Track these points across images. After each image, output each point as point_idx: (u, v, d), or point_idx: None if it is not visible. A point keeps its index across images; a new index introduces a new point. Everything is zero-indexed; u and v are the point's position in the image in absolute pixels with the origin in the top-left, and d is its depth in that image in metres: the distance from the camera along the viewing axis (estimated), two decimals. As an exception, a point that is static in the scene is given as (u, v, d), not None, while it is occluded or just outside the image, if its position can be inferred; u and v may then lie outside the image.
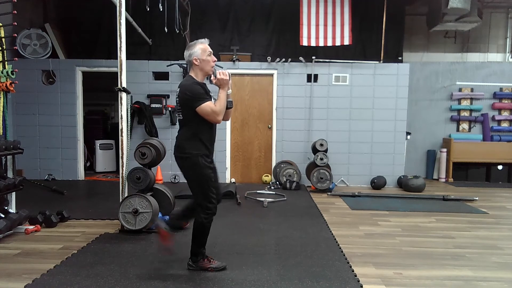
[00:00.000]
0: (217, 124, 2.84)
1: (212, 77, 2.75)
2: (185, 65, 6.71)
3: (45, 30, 6.89)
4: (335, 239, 3.68)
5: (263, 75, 6.97)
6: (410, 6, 7.53)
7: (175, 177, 6.89)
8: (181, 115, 2.75)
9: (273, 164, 6.99)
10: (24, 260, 3.06)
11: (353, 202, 5.50)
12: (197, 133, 2.70)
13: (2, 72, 3.75)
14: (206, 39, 2.81)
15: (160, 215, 3.97)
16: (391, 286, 2.67)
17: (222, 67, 6.75)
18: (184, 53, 2.77)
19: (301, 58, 6.80)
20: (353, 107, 6.90)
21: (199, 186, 2.73)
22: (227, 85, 2.72)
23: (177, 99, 2.74)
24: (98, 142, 7.83)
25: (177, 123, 2.90)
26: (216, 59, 2.83)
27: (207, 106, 2.62)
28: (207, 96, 2.69)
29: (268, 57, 6.90)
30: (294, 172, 6.53)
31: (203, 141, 2.73)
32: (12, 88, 3.85)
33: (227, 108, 2.78)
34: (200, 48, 2.71)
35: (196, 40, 2.78)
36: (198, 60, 2.70)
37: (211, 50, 2.77)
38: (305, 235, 3.79)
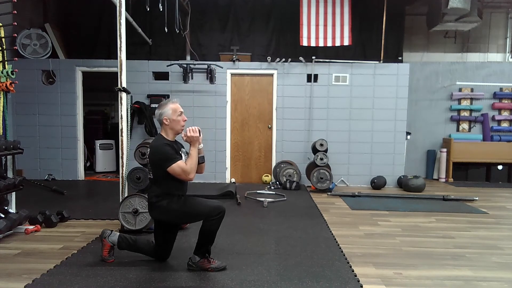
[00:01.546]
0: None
1: (182, 134, 2.78)
2: (184, 65, 6.72)
3: (45, 30, 6.89)
4: (335, 239, 3.68)
5: (263, 75, 6.97)
6: (410, 6, 7.53)
7: (175, 177, 6.87)
8: (151, 174, 2.80)
9: (273, 164, 6.98)
10: (24, 260, 3.06)
11: (353, 202, 5.50)
12: (168, 189, 2.75)
13: (2, 72, 3.75)
14: (176, 99, 2.88)
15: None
16: (391, 286, 2.67)
17: (222, 67, 6.77)
18: (155, 112, 2.83)
19: (301, 58, 6.80)
20: (353, 107, 6.90)
21: (194, 213, 2.79)
22: (198, 141, 2.76)
23: (147, 159, 2.80)
24: (98, 142, 7.83)
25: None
26: (186, 119, 2.87)
27: (177, 166, 2.66)
28: (177, 155, 2.72)
29: (268, 57, 6.90)
30: (294, 172, 6.53)
31: (174, 194, 2.77)
32: (12, 88, 3.85)
33: (199, 163, 2.81)
34: (171, 108, 2.76)
35: (167, 100, 2.84)
36: (168, 120, 2.76)
37: (182, 110, 2.82)
38: (305, 235, 3.79)
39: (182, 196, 2.83)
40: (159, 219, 2.83)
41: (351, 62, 6.90)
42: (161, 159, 2.68)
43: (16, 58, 4.74)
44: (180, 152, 2.81)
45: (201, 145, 2.83)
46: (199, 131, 2.77)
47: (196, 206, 2.79)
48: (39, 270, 2.81)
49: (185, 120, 2.85)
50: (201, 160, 2.84)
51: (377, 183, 6.63)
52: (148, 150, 2.79)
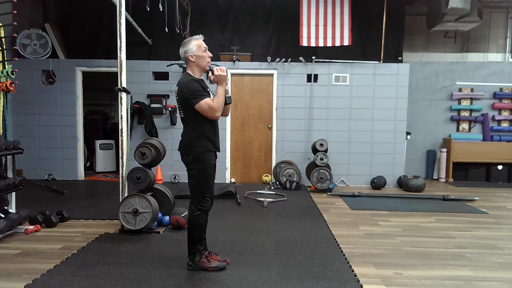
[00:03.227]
0: (217, 121, 2.83)
1: (210, 74, 2.75)
2: (185, 66, 6.69)
3: (45, 30, 6.89)
4: (335, 239, 3.68)
5: (263, 75, 6.97)
6: (410, 6, 7.53)
7: (175, 177, 6.88)
8: (182, 113, 2.76)
9: (273, 164, 6.98)
10: (24, 260, 3.06)
11: (353, 202, 5.50)
12: (201, 130, 2.71)
13: (2, 72, 3.75)
14: (200, 35, 2.82)
15: (160, 215, 3.97)
16: (391, 286, 2.67)
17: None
18: (180, 50, 2.77)
19: (301, 58, 6.80)
20: (353, 107, 6.90)
21: (198, 181, 2.75)
22: (225, 81, 2.74)
23: (177, 97, 2.75)
24: (98, 142, 7.83)
25: (180, 122, 2.90)
26: (211, 55, 2.83)
27: (204, 103, 2.63)
28: (205, 92, 2.69)
29: (268, 57, 6.90)
30: (294, 172, 6.53)
31: (209, 137, 2.74)
32: (12, 88, 3.85)
33: (226, 103, 2.78)
34: (195, 45, 2.72)
35: (190, 37, 2.79)
36: (194, 57, 2.71)
37: (206, 46, 2.78)
38: (305, 235, 3.79)
39: (214, 161, 2.82)
40: (184, 161, 2.79)
41: (351, 62, 6.90)
42: (189, 96, 2.64)
43: (16, 58, 4.74)
44: (208, 90, 2.77)
45: (228, 86, 2.80)
46: (226, 70, 2.74)
47: (208, 184, 2.77)
48: (39, 270, 2.81)
49: (210, 56, 2.80)
50: (228, 101, 2.80)
51: (377, 183, 6.63)
52: (176, 88, 2.74)
